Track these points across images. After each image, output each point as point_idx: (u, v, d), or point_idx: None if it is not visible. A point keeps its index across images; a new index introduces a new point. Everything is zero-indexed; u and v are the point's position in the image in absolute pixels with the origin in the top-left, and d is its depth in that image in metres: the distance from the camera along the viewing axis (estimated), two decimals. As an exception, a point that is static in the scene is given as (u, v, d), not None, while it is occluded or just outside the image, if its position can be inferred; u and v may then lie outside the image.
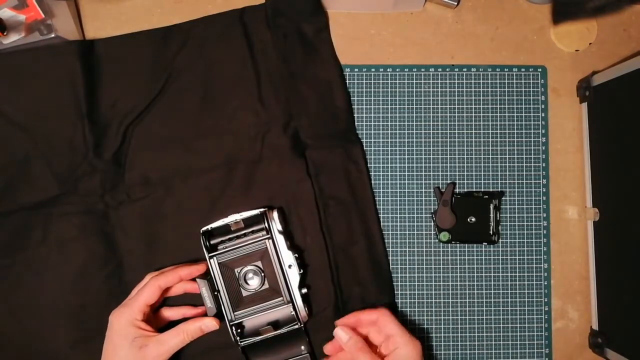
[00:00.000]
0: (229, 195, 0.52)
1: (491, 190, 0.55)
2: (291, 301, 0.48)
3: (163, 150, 0.53)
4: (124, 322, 0.45)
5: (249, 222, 0.50)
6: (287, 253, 0.49)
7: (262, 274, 0.48)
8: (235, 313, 0.48)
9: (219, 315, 0.48)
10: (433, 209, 0.54)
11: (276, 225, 0.49)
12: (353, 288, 0.52)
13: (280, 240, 0.49)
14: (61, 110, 0.52)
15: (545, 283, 0.54)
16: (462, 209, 0.53)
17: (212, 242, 0.49)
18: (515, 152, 0.55)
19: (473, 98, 0.56)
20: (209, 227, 0.49)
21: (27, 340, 0.50)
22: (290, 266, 0.48)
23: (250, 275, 0.48)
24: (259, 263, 0.49)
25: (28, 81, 0.52)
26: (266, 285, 0.49)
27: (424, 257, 0.54)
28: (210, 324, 0.47)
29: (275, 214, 0.49)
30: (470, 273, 0.54)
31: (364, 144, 0.55)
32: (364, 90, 0.55)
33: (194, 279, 0.49)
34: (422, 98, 0.55)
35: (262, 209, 0.49)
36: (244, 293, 0.48)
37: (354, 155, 0.54)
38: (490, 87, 0.56)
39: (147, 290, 0.46)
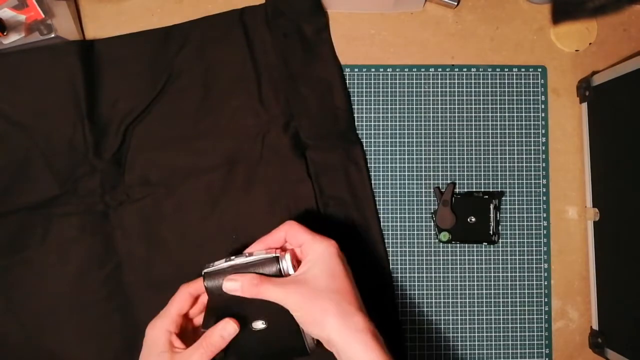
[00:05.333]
0: (229, 196, 0.52)
1: (491, 190, 0.55)
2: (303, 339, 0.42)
3: (163, 150, 0.53)
4: (156, 332, 0.42)
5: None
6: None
7: (268, 323, 0.42)
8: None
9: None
10: (433, 209, 0.54)
11: (289, 269, 0.41)
12: (353, 288, 0.52)
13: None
14: (61, 110, 0.52)
15: (545, 283, 0.54)
16: (462, 209, 0.53)
17: None
18: (515, 152, 0.55)
19: (473, 98, 0.56)
20: (211, 269, 0.42)
21: (27, 340, 0.50)
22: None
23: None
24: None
25: (28, 81, 0.52)
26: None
27: (424, 257, 0.54)
28: (230, 329, 0.41)
29: (287, 257, 0.42)
30: (470, 273, 0.54)
31: (364, 144, 0.55)
32: (364, 90, 0.55)
33: None
34: (422, 98, 0.55)
35: (274, 253, 0.42)
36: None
37: (354, 155, 0.54)
38: (490, 87, 0.56)
39: (177, 299, 0.43)
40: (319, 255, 0.40)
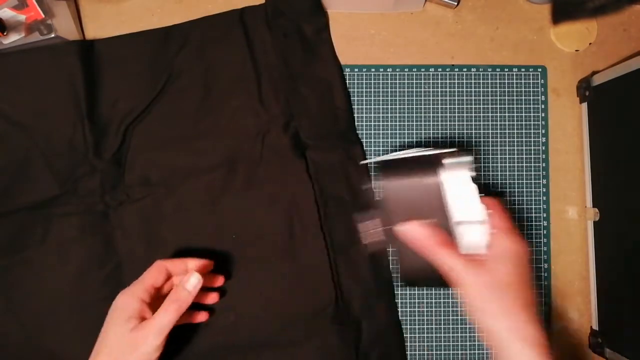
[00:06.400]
0: (229, 196, 0.52)
1: (491, 190, 0.55)
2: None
3: (163, 150, 0.53)
4: (127, 299, 0.41)
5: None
6: (478, 207, 0.38)
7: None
8: None
9: None
10: (433, 209, 0.54)
11: (456, 173, 0.38)
12: (353, 288, 0.52)
13: (471, 191, 0.38)
14: (61, 110, 0.52)
15: (545, 283, 0.54)
16: (462, 209, 0.53)
17: None
18: (515, 152, 0.55)
19: (473, 98, 0.56)
20: (382, 158, 0.41)
21: (27, 340, 0.50)
22: (470, 222, 0.38)
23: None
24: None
25: (28, 81, 0.52)
26: None
27: (424, 257, 0.54)
28: (194, 282, 0.42)
29: (464, 157, 0.38)
30: (470, 273, 0.54)
31: (364, 144, 0.55)
32: (364, 90, 0.55)
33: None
34: (422, 98, 0.55)
35: (450, 149, 0.38)
36: None
37: (354, 155, 0.54)
38: (490, 87, 0.56)
39: (153, 270, 0.43)
40: (513, 253, 0.39)
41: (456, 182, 0.38)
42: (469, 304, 0.38)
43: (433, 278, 0.40)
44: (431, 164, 0.39)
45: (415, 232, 0.40)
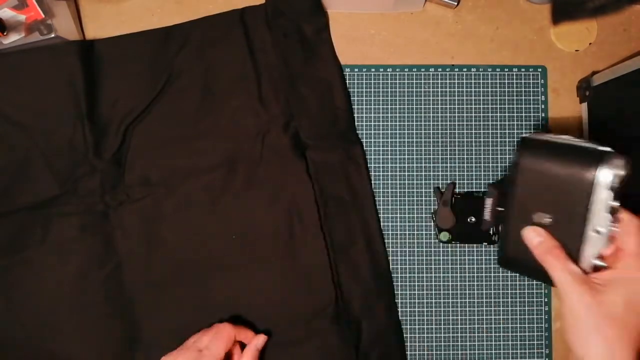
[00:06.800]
0: (229, 196, 0.52)
1: (491, 190, 0.55)
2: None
3: (163, 150, 0.53)
4: None
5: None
6: (602, 216, 0.36)
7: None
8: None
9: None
10: (433, 209, 0.54)
11: (606, 177, 0.35)
12: (353, 288, 0.52)
13: (603, 196, 0.35)
14: (61, 110, 0.52)
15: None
16: (462, 209, 0.53)
17: None
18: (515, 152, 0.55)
19: (473, 98, 0.56)
20: (530, 135, 0.40)
21: (27, 340, 0.50)
22: (597, 232, 0.36)
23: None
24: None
25: (28, 81, 0.52)
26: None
27: (424, 257, 0.54)
28: (262, 343, 0.48)
29: (619, 162, 0.36)
30: (470, 273, 0.54)
31: (364, 144, 0.55)
32: (364, 90, 0.55)
33: None
34: (422, 98, 0.55)
35: (607, 148, 0.36)
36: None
37: (354, 155, 0.54)
38: (490, 87, 0.56)
39: (225, 339, 0.46)
40: (636, 286, 0.35)
41: (605, 186, 0.35)
42: (567, 325, 0.35)
43: (540, 273, 0.38)
44: (585, 157, 0.36)
45: (532, 240, 0.38)
